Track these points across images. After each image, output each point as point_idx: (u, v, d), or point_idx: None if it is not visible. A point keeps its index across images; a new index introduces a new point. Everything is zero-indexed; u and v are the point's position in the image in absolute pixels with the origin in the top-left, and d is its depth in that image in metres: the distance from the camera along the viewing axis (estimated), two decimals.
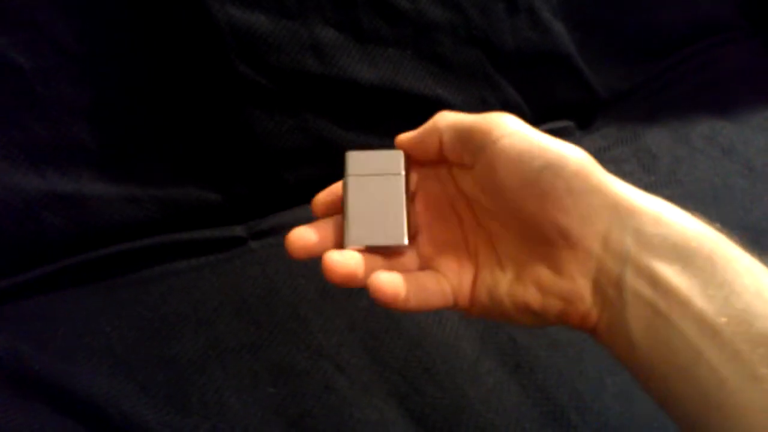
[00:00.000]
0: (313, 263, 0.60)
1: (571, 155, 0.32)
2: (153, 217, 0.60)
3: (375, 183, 0.37)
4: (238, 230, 0.63)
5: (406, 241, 0.35)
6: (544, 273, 0.33)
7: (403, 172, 0.37)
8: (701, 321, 0.28)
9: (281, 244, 0.62)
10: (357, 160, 0.38)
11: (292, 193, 0.66)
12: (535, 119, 0.79)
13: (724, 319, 0.27)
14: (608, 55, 0.82)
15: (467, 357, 0.51)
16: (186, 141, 0.62)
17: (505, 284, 0.35)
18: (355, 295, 0.57)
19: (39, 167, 0.56)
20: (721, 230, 0.31)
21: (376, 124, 0.68)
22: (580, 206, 0.31)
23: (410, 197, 0.38)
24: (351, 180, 0.37)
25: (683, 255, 0.29)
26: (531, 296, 0.33)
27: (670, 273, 0.29)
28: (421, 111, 0.70)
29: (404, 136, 0.39)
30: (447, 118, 0.37)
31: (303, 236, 0.37)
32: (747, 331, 0.27)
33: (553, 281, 0.33)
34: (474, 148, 0.34)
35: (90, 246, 0.58)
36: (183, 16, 0.58)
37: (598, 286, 0.31)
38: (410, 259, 0.37)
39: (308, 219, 0.65)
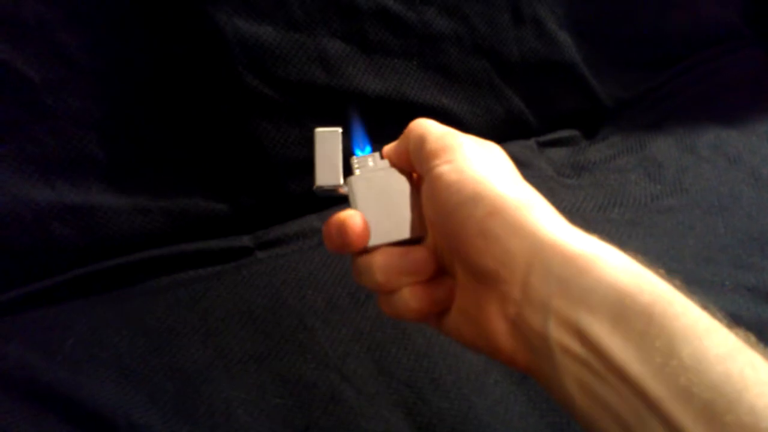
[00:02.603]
0: (320, 274, 0.61)
1: (487, 195, 0.30)
2: (161, 228, 0.61)
3: (379, 181, 0.37)
4: (245, 240, 0.64)
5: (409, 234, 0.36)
6: (471, 306, 0.32)
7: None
8: (639, 390, 0.24)
9: (288, 255, 0.64)
10: (359, 162, 0.39)
11: (298, 203, 0.66)
12: (540, 128, 0.79)
13: (663, 392, 0.24)
14: (613, 64, 0.82)
15: (474, 367, 0.51)
16: (193, 152, 0.62)
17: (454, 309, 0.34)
18: (362, 304, 0.57)
19: (49, 179, 0.57)
20: (674, 281, 0.28)
21: (382, 134, 0.68)
22: (494, 249, 0.29)
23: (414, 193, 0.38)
24: (355, 180, 0.37)
25: (615, 310, 0.26)
26: (463, 326, 0.33)
27: (600, 331, 0.26)
28: None
29: (388, 147, 0.39)
30: (416, 130, 0.36)
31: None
32: (687, 405, 0.23)
33: (474, 316, 0.32)
34: (422, 167, 0.34)
35: (99, 257, 0.59)
36: (191, 28, 0.59)
37: (519, 332, 0.29)
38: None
39: (314, 229, 0.67)
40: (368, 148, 0.41)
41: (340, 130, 0.39)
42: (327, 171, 0.38)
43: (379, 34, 0.66)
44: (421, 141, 0.35)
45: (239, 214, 0.64)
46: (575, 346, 0.26)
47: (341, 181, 0.38)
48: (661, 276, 0.28)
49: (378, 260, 0.34)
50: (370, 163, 0.39)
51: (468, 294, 0.33)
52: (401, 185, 0.37)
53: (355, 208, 0.36)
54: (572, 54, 0.77)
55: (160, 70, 0.59)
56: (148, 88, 0.60)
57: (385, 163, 0.39)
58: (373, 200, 0.36)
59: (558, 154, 0.78)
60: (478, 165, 0.32)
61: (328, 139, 0.39)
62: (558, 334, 0.27)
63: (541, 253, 0.28)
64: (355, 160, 0.39)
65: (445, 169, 0.32)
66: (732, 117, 0.81)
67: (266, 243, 0.64)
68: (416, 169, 0.36)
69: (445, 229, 0.33)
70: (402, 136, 0.38)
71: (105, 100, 0.58)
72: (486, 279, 0.30)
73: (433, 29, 0.69)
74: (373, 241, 0.35)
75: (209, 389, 0.51)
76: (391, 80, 0.67)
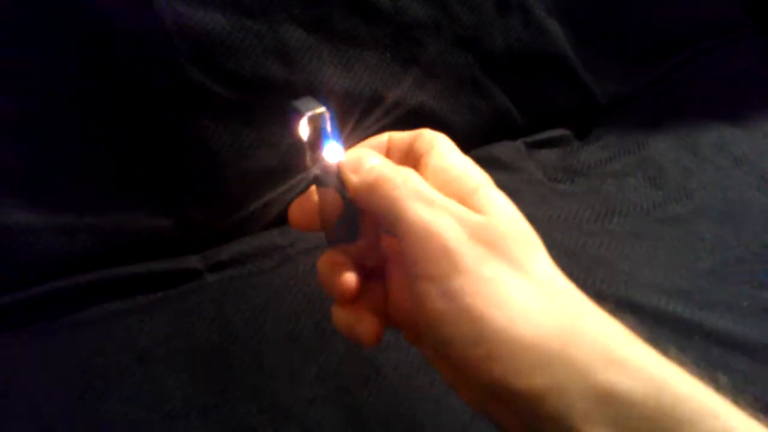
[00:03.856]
0: (281, 300, 0.53)
1: (497, 341, 0.25)
2: (89, 250, 0.53)
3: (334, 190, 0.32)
4: (193, 261, 0.56)
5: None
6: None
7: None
8: None
9: (243, 277, 0.55)
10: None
11: (256, 216, 0.59)
12: (528, 128, 0.74)
13: None
14: (607, 56, 0.77)
15: (459, 417, 0.44)
16: (129, 159, 0.54)
17: None
18: (329, 337, 0.50)
19: None
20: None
21: (354, 137, 0.61)
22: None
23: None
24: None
25: None
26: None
27: None
28: (403, 121, 0.64)
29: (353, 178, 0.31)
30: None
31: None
32: None
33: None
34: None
35: (13, 285, 0.51)
36: (121, 15, 0.50)
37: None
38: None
39: (275, 246, 0.58)
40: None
41: (318, 110, 0.30)
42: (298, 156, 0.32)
43: (347, 22, 0.59)
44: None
45: (185, 230, 0.56)
46: None
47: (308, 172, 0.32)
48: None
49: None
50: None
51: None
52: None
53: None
54: (563, 45, 0.72)
55: (87, 64, 0.51)
56: (71, 86, 0.51)
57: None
58: (332, 205, 0.32)
59: (548, 156, 0.72)
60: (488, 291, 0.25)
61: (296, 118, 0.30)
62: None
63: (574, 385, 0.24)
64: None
65: (437, 290, 0.26)
66: (735, 114, 0.76)
67: (218, 264, 0.56)
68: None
69: (430, 338, 0.27)
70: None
71: (19, 99, 0.50)
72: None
73: (408, 17, 0.62)
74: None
75: None
76: (362, 75, 0.61)
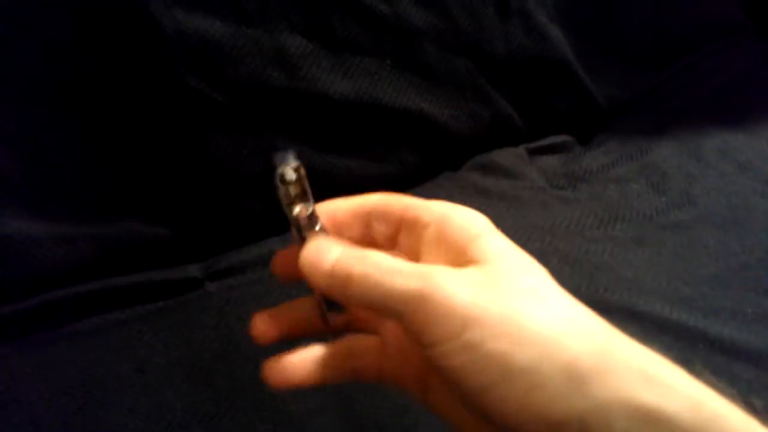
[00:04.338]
0: None
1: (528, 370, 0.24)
2: (89, 259, 0.52)
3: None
4: (193, 270, 0.56)
5: None
6: None
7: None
8: None
9: (244, 286, 0.55)
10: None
11: (256, 224, 0.58)
12: (530, 134, 0.73)
13: None
14: (609, 61, 0.76)
15: None
16: (128, 168, 0.54)
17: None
18: None
19: None
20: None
21: (352, 144, 0.61)
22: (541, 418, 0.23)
23: None
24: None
25: None
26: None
27: None
28: (403, 128, 0.63)
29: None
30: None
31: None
32: None
33: None
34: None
35: (13, 295, 0.50)
36: (121, 22, 0.50)
37: None
38: None
39: (275, 254, 0.58)
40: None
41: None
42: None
43: (347, 29, 0.59)
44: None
45: (185, 239, 0.56)
46: None
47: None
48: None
49: None
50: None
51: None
52: None
53: None
54: (564, 50, 0.71)
55: (86, 72, 0.51)
56: (71, 94, 0.51)
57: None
58: None
59: (550, 162, 0.71)
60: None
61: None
62: None
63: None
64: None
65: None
66: (738, 118, 0.76)
67: (218, 272, 0.56)
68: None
69: (457, 392, 0.25)
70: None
71: (19, 108, 0.50)
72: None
73: (409, 24, 0.62)
74: None
75: None
76: (362, 82, 0.60)
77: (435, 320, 0.24)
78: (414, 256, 0.28)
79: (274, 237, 0.60)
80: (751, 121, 0.75)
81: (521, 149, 0.72)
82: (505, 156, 0.70)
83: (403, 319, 0.25)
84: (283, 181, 0.28)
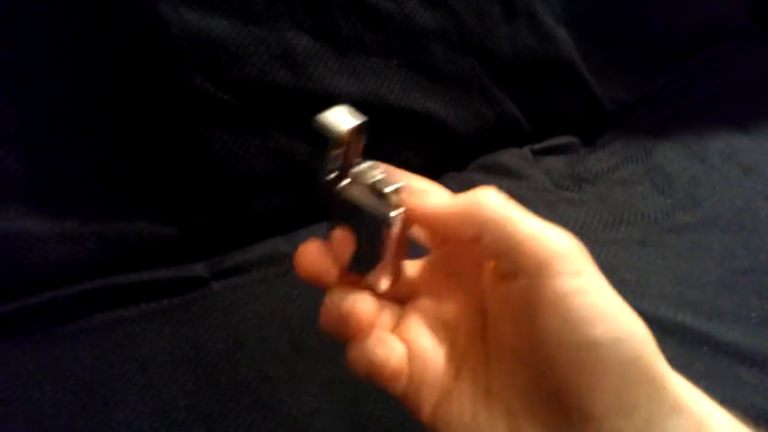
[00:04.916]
0: (286, 309, 0.52)
1: (633, 336, 0.26)
2: (95, 257, 0.52)
3: (360, 215, 0.29)
4: (198, 269, 0.55)
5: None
6: None
7: (389, 218, 0.29)
8: None
9: (249, 285, 0.55)
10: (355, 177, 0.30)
11: (261, 223, 0.58)
12: (535, 135, 0.73)
13: None
14: (614, 63, 0.77)
15: None
16: (134, 166, 0.53)
17: (481, 420, 0.28)
18: (333, 346, 0.49)
19: None
20: None
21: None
22: (614, 395, 0.25)
23: (400, 245, 0.30)
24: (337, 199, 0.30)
25: None
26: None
27: None
28: (409, 128, 0.63)
29: (427, 205, 0.29)
30: (491, 213, 0.27)
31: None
32: None
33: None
34: (520, 272, 0.26)
35: (19, 293, 0.50)
36: (127, 21, 0.50)
37: None
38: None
39: (281, 254, 0.58)
40: None
41: (356, 121, 0.29)
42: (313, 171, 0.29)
43: (354, 29, 0.59)
44: (508, 241, 0.27)
45: (190, 238, 0.56)
46: None
47: (323, 184, 0.29)
48: None
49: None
50: (368, 175, 0.30)
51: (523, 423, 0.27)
52: (380, 229, 0.29)
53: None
54: (570, 52, 0.71)
55: (92, 70, 0.51)
56: (76, 92, 0.51)
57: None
58: (349, 227, 0.30)
59: (555, 163, 0.71)
60: (609, 292, 0.27)
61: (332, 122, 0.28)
62: None
63: (666, 410, 0.25)
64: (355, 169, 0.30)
65: (573, 286, 0.25)
66: (743, 121, 0.76)
67: (223, 271, 0.55)
68: (485, 260, 0.29)
69: (553, 355, 0.26)
70: (460, 208, 0.28)
71: (24, 106, 0.49)
72: (583, 418, 0.25)
73: (415, 23, 0.62)
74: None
75: None
76: (368, 82, 0.60)
77: (557, 255, 0.26)
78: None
79: (279, 236, 0.59)
80: (756, 124, 0.75)
81: (526, 150, 0.72)
82: (509, 157, 0.70)
83: (523, 249, 0.26)
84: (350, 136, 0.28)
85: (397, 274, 0.32)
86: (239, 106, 0.54)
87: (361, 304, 0.29)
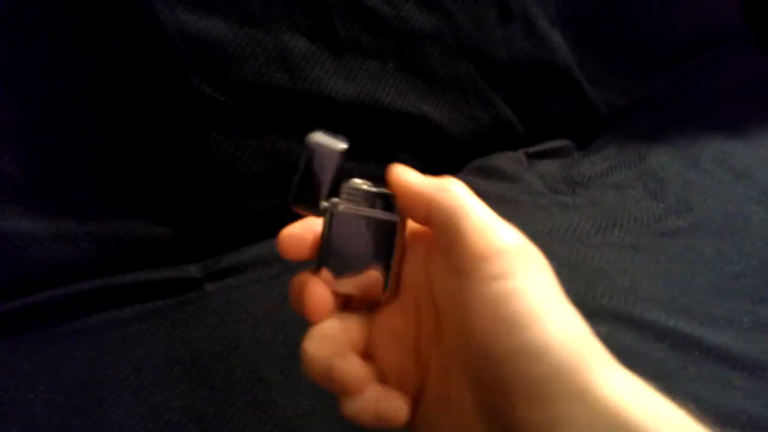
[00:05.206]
0: (280, 310, 0.53)
1: (555, 351, 0.24)
2: (90, 258, 0.52)
3: (365, 222, 0.31)
4: (192, 270, 0.55)
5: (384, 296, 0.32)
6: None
7: (397, 219, 0.31)
8: None
9: (243, 287, 0.55)
10: (348, 192, 0.32)
11: (256, 225, 0.58)
12: (529, 138, 0.73)
13: None
14: (609, 67, 0.77)
15: None
16: (130, 167, 0.53)
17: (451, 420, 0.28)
18: None
19: None
20: None
21: (352, 145, 0.60)
22: (546, 409, 0.24)
23: (402, 249, 0.32)
24: (337, 213, 0.32)
25: None
26: None
27: None
28: (404, 131, 0.63)
29: (401, 178, 0.31)
30: (451, 198, 0.29)
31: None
32: None
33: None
34: (461, 267, 0.27)
35: (14, 293, 0.50)
36: (125, 22, 0.50)
37: None
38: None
39: (275, 256, 0.58)
40: None
41: (343, 145, 0.32)
42: (308, 189, 0.32)
43: (351, 31, 0.59)
44: (456, 220, 0.28)
45: (185, 239, 0.56)
46: None
47: (319, 206, 0.32)
48: None
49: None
50: (363, 187, 0.32)
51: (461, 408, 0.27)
52: (389, 232, 0.31)
53: (326, 242, 0.31)
54: (565, 56, 0.72)
55: (89, 70, 0.51)
56: (73, 92, 0.51)
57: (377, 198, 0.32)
58: (352, 241, 0.31)
59: (549, 167, 0.71)
60: (544, 296, 0.26)
61: (322, 152, 0.31)
62: None
63: (602, 422, 0.23)
64: (346, 185, 0.32)
65: (500, 288, 0.25)
66: (736, 126, 0.76)
67: (217, 273, 0.56)
68: (437, 241, 0.30)
69: (472, 353, 0.26)
70: (427, 188, 0.30)
71: (21, 105, 0.49)
72: (500, 418, 0.25)
73: (411, 26, 0.62)
74: (338, 288, 0.31)
75: None
76: (364, 84, 0.60)
77: (494, 253, 0.26)
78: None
79: (273, 239, 0.59)
80: (749, 129, 0.75)
81: (520, 153, 0.72)
82: (504, 160, 0.70)
83: (468, 240, 0.27)
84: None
85: (400, 281, 0.32)
86: (236, 108, 0.54)
87: (343, 364, 0.29)
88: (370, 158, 0.62)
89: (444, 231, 0.28)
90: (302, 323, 0.50)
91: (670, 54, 0.80)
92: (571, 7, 0.72)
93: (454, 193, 0.28)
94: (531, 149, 0.73)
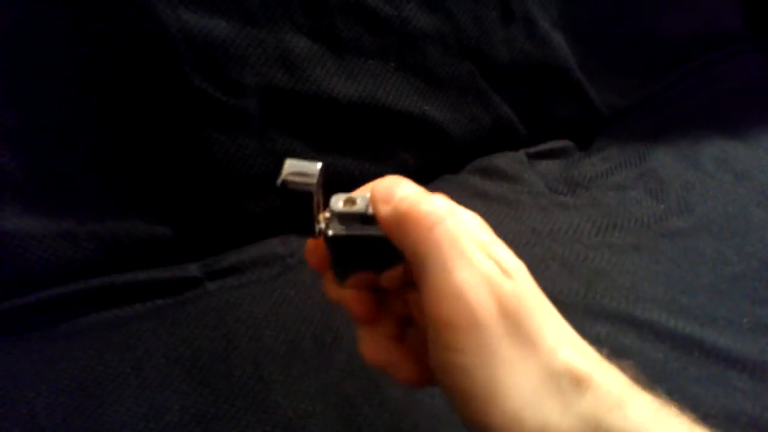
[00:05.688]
0: (281, 310, 0.53)
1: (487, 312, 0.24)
2: (91, 257, 0.52)
3: (361, 241, 0.31)
4: (193, 269, 0.55)
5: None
6: None
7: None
8: None
9: (244, 286, 0.55)
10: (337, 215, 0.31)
11: (256, 225, 0.58)
12: (530, 139, 0.73)
13: None
14: (610, 69, 0.77)
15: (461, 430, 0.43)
16: (131, 167, 0.53)
17: None
18: (328, 348, 0.49)
19: None
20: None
21: (355, 145, 0.61)
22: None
23: None
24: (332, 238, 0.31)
25: None
26: None
27: None
28: (405, 131, 0.63)
29: (378, 214, 0.29)
30: (420, 244, 0.26)
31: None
32: None
33: None
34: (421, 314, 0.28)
35: (14, 292, 0.50)
36: (126, 21, 0.50)
37: None
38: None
39: (276, 255, 0.58)
40: None
41: (317, 166, 0.30)
42: (297, 219, 0.31)
43: (352, 31, 0.59)
44: (421, 266, 0.26)
45: (186, 238, 0.56)
46: None
47: (315, 231, 0.31)
48: None
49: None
50: (348, 210, 0.30)
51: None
52: (387, 241, 0.29)
53: (334, 259, 0.32)
54: (566, 57, 0.71)
55: (90, 69, 0.51)
56: (73, 91, 0.51)
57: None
58: (357, 253, 0.32)
59: (550, 167, 0.71)
60: (502, 378, 0.24)
61: (297, 182, 0.29)
62: None
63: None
64: (329, 207, 0.31)
65: (452, 360, 0.24)
66: (737, 127, 0.76)
67: (218, 272, 0.56)
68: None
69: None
70: (397, 224, 0.27)
71: (21, 105, 0.49)
72: None
73: (413, 27, 0.62)
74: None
75: None
76: (365, 84, 0.60)
77: (458, 325, 0.24)
78: None
79: (274, 238, 0.59)
80: (749, 130, 0.75)
81: (521, 153, 0.72)
82: (505, 160, 0.70)
83: (431, 298, 0.25)
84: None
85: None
86: (237, 108, 0.54)
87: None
88: (370, 158, 0.62)
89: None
90: (303, 322, 0.51)
91: (671, 55, 0.80)
92: (573, 9, 0.72)
93: (419, 236, 0.26)
94: (532, 149, 0.73)
